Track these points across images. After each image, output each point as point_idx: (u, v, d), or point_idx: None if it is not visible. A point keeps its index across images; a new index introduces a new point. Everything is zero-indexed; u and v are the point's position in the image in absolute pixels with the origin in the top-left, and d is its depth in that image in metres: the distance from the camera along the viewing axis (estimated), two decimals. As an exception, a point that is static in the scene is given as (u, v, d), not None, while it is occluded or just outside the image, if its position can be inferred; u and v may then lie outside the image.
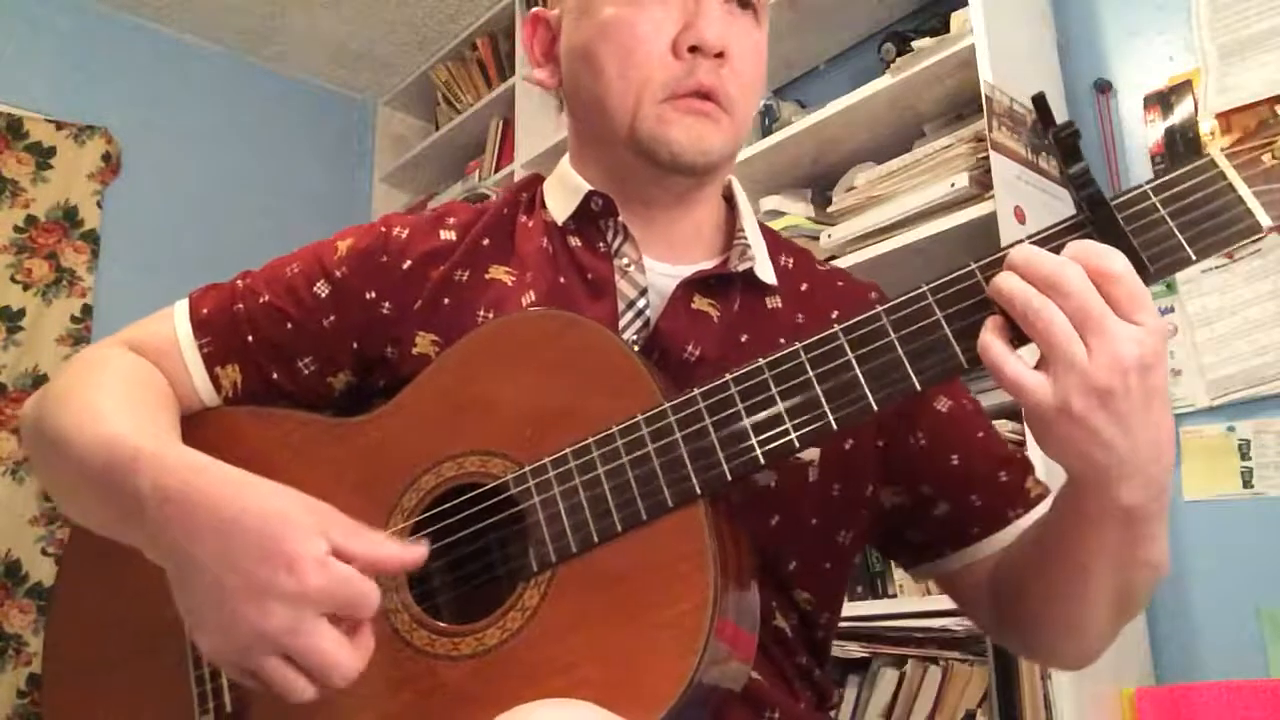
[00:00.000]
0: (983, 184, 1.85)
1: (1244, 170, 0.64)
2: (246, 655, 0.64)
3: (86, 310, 2.87)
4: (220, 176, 3.24)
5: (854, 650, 1.88)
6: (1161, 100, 1.94)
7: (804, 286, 0.91)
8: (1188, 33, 1.91)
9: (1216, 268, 1.82)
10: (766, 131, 2.36)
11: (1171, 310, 1.87)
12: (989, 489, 0.86)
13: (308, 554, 0.63)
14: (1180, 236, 0.63)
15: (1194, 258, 0.63)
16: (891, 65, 2.06)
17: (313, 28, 3.33)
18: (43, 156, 2.89)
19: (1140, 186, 0.65)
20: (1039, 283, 0.60)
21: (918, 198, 1.94)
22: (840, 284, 0.93)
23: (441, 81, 3.48)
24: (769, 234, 0.95)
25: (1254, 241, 1.78)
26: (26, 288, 2.80)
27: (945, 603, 1.74)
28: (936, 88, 2.05)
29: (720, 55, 0.81)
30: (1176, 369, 1.85)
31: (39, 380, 2.75)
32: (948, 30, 2.00)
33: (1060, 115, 1.99)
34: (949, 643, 1.74)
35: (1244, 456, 1.76)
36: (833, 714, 0.89)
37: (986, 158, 1.83)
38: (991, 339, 0.62)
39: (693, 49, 0.81)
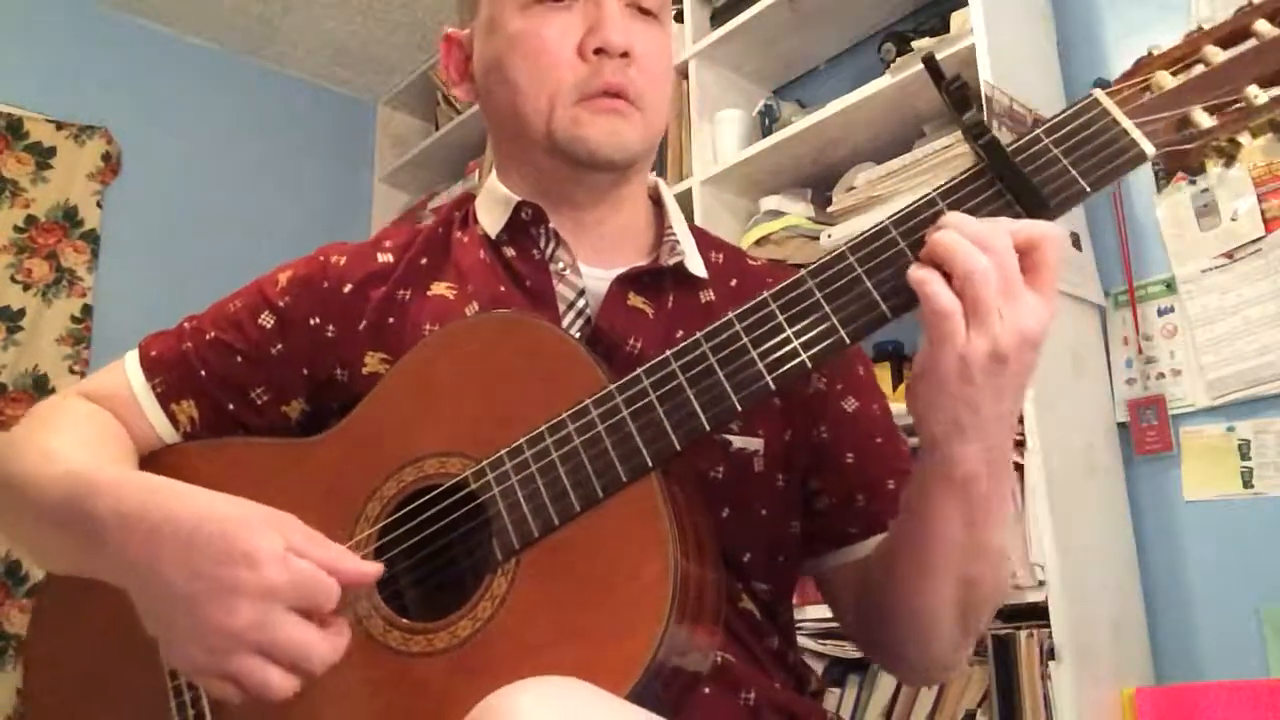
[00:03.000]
0: (983, 184, 1.85)
1: (1125, 105, 0.68)
2: (221, 659, 0.65)
3: (86, 310, 2.87)
4: (220, 176, 3.24)
5: (854, 650, 1.88)
6: (1161, 100, 1.94)
7: (734, 282, 0.93)
8: (1188, 33, 1.91)
9: (1216, 268, 1.82)
10: (766, 131, 2.35)
11: (1171, 310, 1.87)
12: (874, 493, 0.88)
13: (266, 551, 0.64)
14: (1074, 171, 0.67)
15: (1088, 190, 0.67)
16: (891, 65, 2.06)
17: (313, 28, 3.33)
18: (43, 156, 2.89)
19: (1033, 130, 0.69)
20: (971, 239, 0.63)
21: (918, 198, 1.94)
22: (770, 280, 0.95)
23: (441, 81, 3.48)
24: (699, 232, 0.98)
25: (1253, 241, 1.78)
26: (26, 288, 2.80)
27: (945, 603, 1.74)
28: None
29: (625, 55, 0.85)
30: (1176, 369, 1.85)
31: (39, 380, 2.75)
32: (948, 30, 2.00)
33: (1060, 115, 2.01)
34: (949, 643, 1.74)
35: (1244, 456, 1.75)
36: (815, 698, 0.90)
37: (986, 158, 1.83)
38: (944, 294, 0.64)
39: (598, 51, 0.85)
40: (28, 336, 2.76)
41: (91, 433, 0.84)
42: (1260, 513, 1.72)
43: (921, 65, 2.12)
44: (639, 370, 0.70)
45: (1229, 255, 1.81)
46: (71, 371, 2.79)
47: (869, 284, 0.68)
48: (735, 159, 2.33)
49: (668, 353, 0.70)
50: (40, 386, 2.75)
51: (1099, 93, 0.69)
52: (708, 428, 0.68)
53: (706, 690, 0.74)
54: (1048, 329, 0.64)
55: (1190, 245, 1.86)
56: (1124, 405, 1.88)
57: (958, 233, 0.64)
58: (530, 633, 0.67)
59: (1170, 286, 1.88)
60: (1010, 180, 0.67)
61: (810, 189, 2.36)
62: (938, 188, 0.70)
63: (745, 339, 0.69)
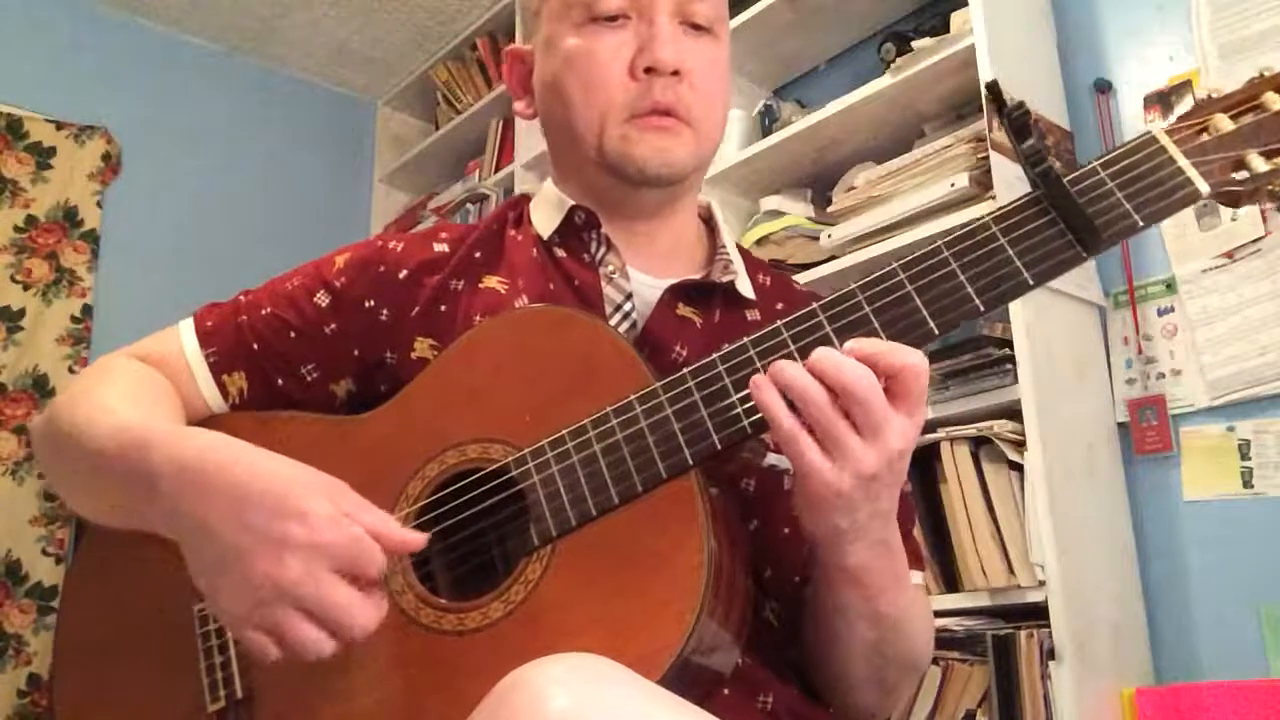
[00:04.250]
0: (983, 184, 1.85)
1: (1182, 145, 0.70)
2: (265, 611, 0.66)
3: (86, 310, 2.87)
4: (220, 176, 3.24)
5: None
6: (1161, 100, 1.94)
7: (780, 305, 0.95)
8: (1188, 33, 1.91)
9: (1216, 268, 1.82)
10: (766, 131, 2.36)
11: (1171, 310, 1.87)
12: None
13: (319, 509, 0.67)
14: (1128, 205, 0.68)
15: (1141, 224, 0.68)
16: (891, 65, 2.06)
17: (313, 28, 3.33)
18: (43, 156, 2.90)
19: (1090, 163, 0.70)
20: (836, 388, 0.64)
21: (918, 198, 1.94)
22: (815, 305, 0.97)
23: (441, 81, 3.48)
24: (747, 255, 1.00)
25: (1253, 241, 1.78)
26: (26, 288, 2.80)
27: (944, 603, 1.74)
28: (936, 88, 2.05)
29: (676, 73, 0.86)
30: (1177, 369, 1.85)
31: (39, 380, 2.75)
32: (948, 30, 2.00)
33: (1060, 115, 2.01)
34: (949, 643, 1.74)
35: (1244, 456, 1.75)
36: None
37: (986, 158, 1.83)
38: (789, 425, 0.65)
39: (648, 70, 0.86)
40: (28, 336, 2.77)
41: (146, 390, 0.86)
42: (1260, 513, 1.72)
43: (922, 65, 2.12)
44: (685, 370, 0.72)
45: (1229, 255, 1.81)
46: (71, 371, 2.79)
47: (918, 302, 0.70)
48: (735, 159, 2.33)
49: (714, 355, 0.72)
50: (40, 386, 2.75)
51: (1158, 130, 0.70)
52: (750, 431, 0.69)
53: (726, 691, 0.75)
54: (917, 436, 0.67)
55: (1190, 245, 1.86)
56: (1124, 405, 1.88)
57: (820, 377, 0.64)
58: (562, 618, 0.68)
59: (1170, 286, 1.88)
60: (1064, 209, 0.69)
61: (810, 189, 2.37)
62: (991, 212, 0.71)
63: (793, 346, 0.70)
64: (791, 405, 0.66)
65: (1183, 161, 0.69)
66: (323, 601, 0.66)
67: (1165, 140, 0.70)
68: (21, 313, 2.78)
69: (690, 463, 0.69)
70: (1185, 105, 1.89)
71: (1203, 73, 1.88)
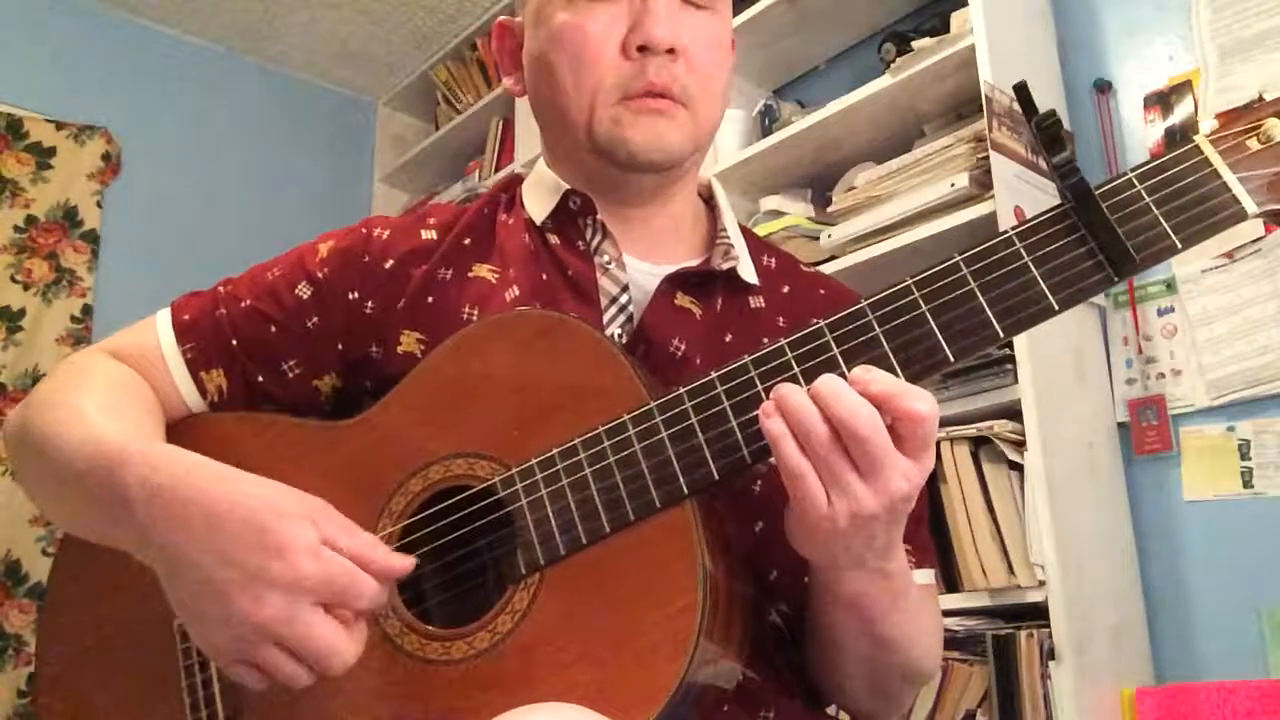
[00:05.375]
0: (983, 184, 1.85)
1: (1229, 156, 0.62)
2: (244, 647, 0.64)
3: (86, 310, 2.87)
4: (220, 176, 3.24)
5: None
6: (1161, 100, 1.94)
7: (786, 289, 0.91)
8: (1188, 33, 1.91)
9: (1216, 268, 1.82)
10: (766, 131, 2.35)
11: (1171, 310, 1.87)
12: None
13: (299, 542, 0.63)
14: (1165, 225, 0.62)
15: (1180, 246, 0.62)
16: (891, 65, 2.06)
17: (313, 28, 3.33)
18: (43, 156, 2.89)
19: (1125, 174, 0.64)
20: (834, 420, 0.60)
21: (918, 198, 1.94)
22: (823, 291, 0.93)
23: (441, 81, 3.48)
24: (749, 235, 0.95)
25: (1253, 241, 1.78)
26: (26, 288, 2.80)
27: (944, 603, 1.74)
28: (936, 88, 2.05)
29: (671, 51, 0.82)
30: (1177, 369, 1.85)
31: (39, 380, 2.74)
32: (948, 30, 2.00)
33: (1060, 115, 2.00)
34: (948, 643, 1.74)
35: (1244, 456, 1.75)
36: (830, 710, 0.89)
37: (986, 158, 1.83)
38: (796, 460, 0.61)
39: (641, 48, 0.81)
40: (28, 336, 2.76)
41: (122, 397, 0.82)
42: (1260, 513, 1.72)
43: (922, 65, 2.12)
44: (681, 390, 0.67)
45: (1229, 255, 1.81)
46: (71, 371, 2.79)
47: (933, 325, 0.64)
48: (735, 159, 2.33)
49: (713, 374, 0.67)
50: (40, 386, 2.75)
51: (1201, 140, 0.63)
52: (750, 461, 0.65)
53: (725, 708, 0.72)
54: (923, 480, 0.63)
55: (1190, 245, 1.86)
56: (1124, 405, 1.88)
57: (821, 407, 0.60)
58: (548, 652, 0.65)
59: (1170, 286, 1.88)
60: (1095, 226, 0.63)
61: (810, 189, 2.36)
62: (1014, 227, 0.65)
63: (796, 369, 0.65)
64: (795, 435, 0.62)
65: (1228, 176, 0.61)
66: (303, 639, 0.63)
67: (1209, 150, 0.62)
68: (21, 313, 2.78)
69: (685, 492, 0.65)
70: (1185, 105, 1.89)
71: (1203, 73, 1.88)
